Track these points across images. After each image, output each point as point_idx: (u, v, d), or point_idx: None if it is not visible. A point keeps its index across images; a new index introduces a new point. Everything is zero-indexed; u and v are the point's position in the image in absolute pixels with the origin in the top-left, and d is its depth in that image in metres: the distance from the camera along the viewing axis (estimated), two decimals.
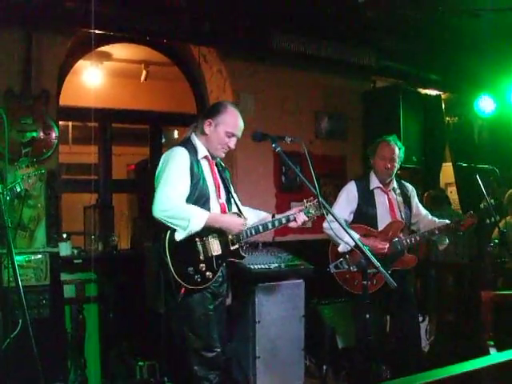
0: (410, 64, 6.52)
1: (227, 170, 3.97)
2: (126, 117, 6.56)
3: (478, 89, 6.95)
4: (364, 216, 4.59)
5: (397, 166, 4.60)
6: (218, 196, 3.68)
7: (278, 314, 4.91)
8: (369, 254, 3.12)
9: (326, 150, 6.52)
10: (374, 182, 4.67)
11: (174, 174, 3.48)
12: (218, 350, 3.52)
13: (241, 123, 3.69)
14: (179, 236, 3.40)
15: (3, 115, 3.56)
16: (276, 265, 4.97)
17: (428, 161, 6.70)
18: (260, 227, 3.71)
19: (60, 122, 5.36)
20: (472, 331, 5.23)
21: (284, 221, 3.77)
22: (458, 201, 7.34)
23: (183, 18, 5.15)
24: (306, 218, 3.76)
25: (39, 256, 4.75)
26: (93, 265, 5.02)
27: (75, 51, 5.55)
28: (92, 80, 7.13)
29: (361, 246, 3.15)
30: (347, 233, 3.25)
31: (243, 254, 3.69)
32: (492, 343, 4.49)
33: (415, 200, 4.84)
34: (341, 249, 4.37)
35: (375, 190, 4.66)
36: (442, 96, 7.17)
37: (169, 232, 3.40)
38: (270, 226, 3.74)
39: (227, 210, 3.70)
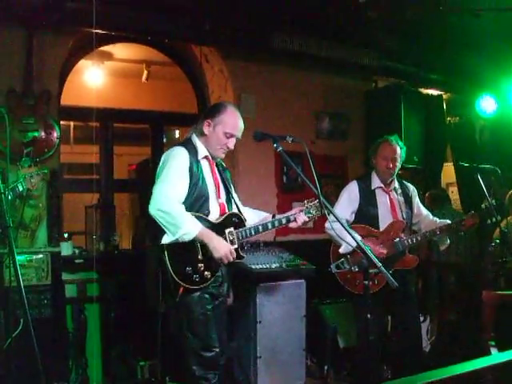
0: (411, 64, 6.51)
1: (228, 170, 3.97)
2: (128, 117, 6.57)
3: (480, 89, 6.94)
4: (365, 216, 4.59)
5: (398, 165, 4.60)
6: (218, 196, 3.68)
7: (280, 314, 4.91)
8: (370, 254, 3.12)
9: (327, 150, 6.52)
10: (376, 182, 4.67)
11: (172, 173, 3.48)
12: (217, 349, 3.52)
13: (240, 124, 3.68)
14: (166, 239, 3.39)
15: (5, 115, 3.56)
16: (277, 265, 4.97)
17: (429, 161, 6.69)
18: (259, 227, 3.70)
19: (61, 122, 5.35)
20: (473, 331, 5.23)
21: (284, 221, 3.76)
22: (460, 201, 7.34)
23: (185, 18, 5.16)
24: (307, 219, 3.75)
25: (41, 256, 4.76)
26: (94, 264, 5.02)
27: (77, 51, 5.55)
28: (93, 80, 7.13)
29: (362, 246, 3.15)
30: (349, 233, 3.25)
31: (242, 254, 3.68)
32: (493, 343, 4.50)
33: (416, 200, 4.84)
34: (342, 250, 4.37)
35: (377, 190, 4.66)
36: (444, 96, 7.17)
37: None
38: (269, 226, 3.73)
39: (227, 210, 3.70)
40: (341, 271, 4.44)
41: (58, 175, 5.04)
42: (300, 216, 3.74)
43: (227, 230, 3.61)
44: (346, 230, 3.29)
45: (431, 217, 4.81)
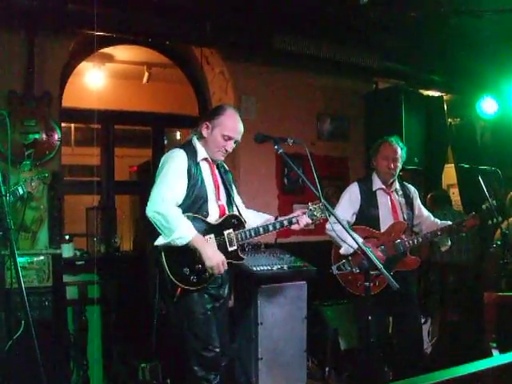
0: (412, 65, 6.52)
1: (230, 173, 3.97)
2: (129, 118, 6.57)
3: (481, 90, 6.94)
4: (366, 217, 4.59)
5: (399, 166, 4.60)
6: (218, 198, 3.68)
7: (281, 316, 4.91)
8: (371, 255, 3.12)
9: (328, 152, 6.53)
10: (377, 184, 4.67)
11: (170, 175, 3.49)
12: (217, 350, 3.52)
13: (239, 127, 3.67)
14: (161, 241, 3.40)
15: (6, 117, 3.56)
16: (278, 266, 4.97)
17: (430, 162, 6.69)
18: (260, 229, 3.70)
19: (62, 124, 5.37)
20: (474, 333, 5.22)
21: (286, 223, 3.75)
22: (460, 202, 7.33)
23: (185, 20, 5.16)
24: (310, 221, 3.75)
25: (42, 257, 4.76)
26: (95, 266, 5.02)
27: (77, 53, 5.56)
28: (94, 82, 7.14)
29: (363, 248, 3.15)
30: (350, 235, 3.25)
31: (242, 256, 3.68)
32: (495, 345, 4.49)
33: (417, 201, 4.84)
34: (343, 251, 4.37)
35: (378, 192, 4.66)
36: (445, 97, 7.16)
37: None
38: (270, 227, 3.73)
39: (227, 212, 3.69)
40: (342, 273, 4.44)
41: (59, 177, 5.04)
42: (302, 218, 3.74)
43: (226, 232, 3.61)
44: (346, 231, 3.30)
45: (432, 218, 4.81)
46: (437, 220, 4.77)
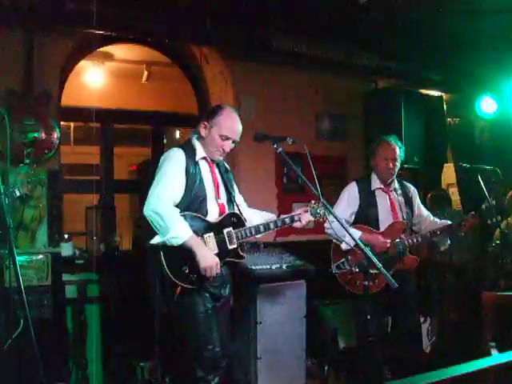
0: (411, 65, 6.51)
1: (231, 172, 3.97)
2: (128, 117, 6.57)
3: (480, 89, 6.94)
4: (365, 217, 4.59)
5: (398, 165, 4.61)
6: (218, 196, 3.67)
7: (280, 315, 4.90)
8: (370, 254, 3.12)
9: (327, 151, 6.53)
10: (376, 183, 4.67)
11: (167, 174, 3.50)
12: (217, 350, 3.51)
13: (237, 127, 3.66)
14: (156, 240, 3.41)
15: (5, 116, 3.56)
16: (277, 265, 4.96)
17: (429, 161, 6.69)
18: (261, 227, 3.69)
19: (62, 123, 5.36)
20: (473, 332, 5.22)
21: (288, 221, 3.75)
22: (460, 201, 7.33)
23: (185, 19, 5.16)
24: (312, 218, 3.74)
25: (41, 256, 4.76)
26: (94, 265, 5.03)
27: (77, 52, 5.55)
28: (94, 80, 7.14)
29: (362, 246, 3.16)
30: (348, 233, 3.26)
31: (242, 254, 3.68)
32: (493, 344, 4.49)
33: (417, 200, 4.84)
34: (344, 246, 4.38)
35: (377, 191, 4.66)
36: (444, 97, 7.16)
37: None
38: (271, 225, 3.72)
39: (226, 210, 3.69)
40: (341, 271, 4.45)
41: (58, 176, 5.04)
42: (304, 216, 3.73)
43: (225, 230, 3.61)
44: (345, 229, 3.30)
45: (432, 217, 4.81)
46: (436, 219, 4.78)
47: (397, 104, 6.35)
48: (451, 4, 5.21)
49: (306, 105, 6.48)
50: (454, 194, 7.55)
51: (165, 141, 7.07)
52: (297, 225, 3.76)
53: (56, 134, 4.93)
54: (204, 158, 3.67)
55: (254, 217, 3.93)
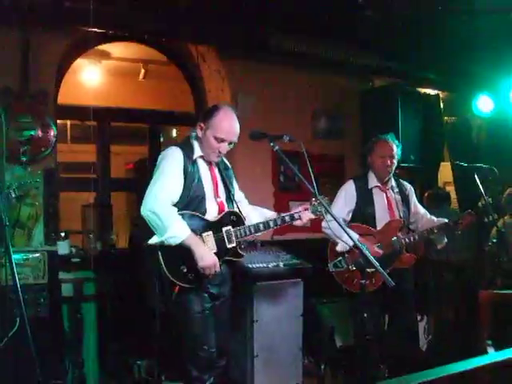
0: (408, 63, 6.51)
1: (231, 169, 3.95)
2: (125, 115, 6.56)
3: (477, 88, 6.94)
4: (362, 215, 4.60)
5: (395, 163, 4.61)
6: (216, 195, 3.66)
7: (276, 313, 4.90)
8: (367, 253, 3.12)
9: (324, 149, 6.52)
10: (373, 181, 4.67)
11: (165, 173, 3.48)
12: (213, 350, 3.50)
13: (233, 128, 3.59)
14: (154, 240, 3.39)
15: (1, 114, 3.55)
16: (274, 264, 4.96)
17: (426, 160, 6.69)
18: (260, 225, 3.66)
19: (58, 121, 5.35)
20: (470, 330, 5.23)
21: (288, 219, 3.72)
22: (457, 200, 7.34)
23: (181, 17, 5.15)
24: (312, 216, 3.71)
25: (37, 254, 4.74)
26: (91, 264, 5.02)
27: (73, 50, 5.54)
28: (90, 79, 7.13)
29: (359, 245, 3.15)
30: (346, 232, 3.25)
31: (241, 253, 3.66)
32: (490, 342, 4.50)
33: (413, 199, 4.85)
34: (339, 248, 4.38)
35: (374, 189, 4.66)
36: (441, 95, 7.17)
37: None
38: (271, 224, 3.69)
39: (226, 208, 3.67)
40: (338, 270, 4.46)
41: (54, 174, 5.03)
42: (305, 214, 3.70)
43: (224, 229, 3.58)
44: (342, 228, 3.30)
45: (429, 215, 4.82)
46: (433, 217, 4.78)
47: (393, 103, 6.36)
48: (449, 3, 5.21)
49: (304, 104, 6.47)
50: (451, 193, 7.56)
51: (162, 139, 7.07)
52: (297, 223, 3.74)
53: (52, 132, 4.92)
54: (202, 157, 3.65)
55: (253, 214, 3.91)
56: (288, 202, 6.00)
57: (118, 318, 5.16)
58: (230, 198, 3.76)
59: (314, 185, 3.28)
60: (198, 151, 3.62)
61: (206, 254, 3.41)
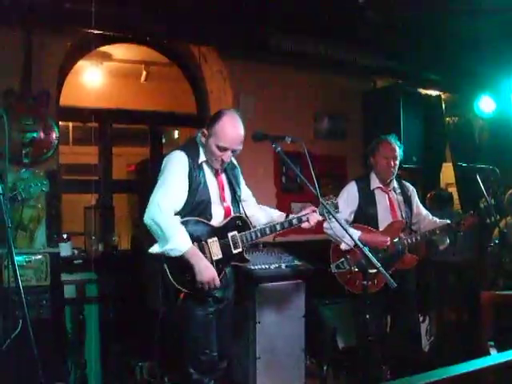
0: (410, 64, 6.51)
1: (238, 168, 3.85)
2: (127, 117, 6.55)
3: (479, 89, 6.94)
4: (365, 216, 4.60)
5: (398, 164, 4.61)
6: (223, 199, 3.59)
7: (279, 315, 4.90)
8: (369, 254, 3.12)
9: (326, 150, 6.52)
10: (375, 182, 4.67)
11: (168, 180, 3.41)
12: (214, 354, 3.48)
13: (236, 137, 3.47)
14: (154, 249, 3.36)
15: (4, 115, 3.55)
16: (276, 265, 4.96)
17: (428, 161, 6.69)
18: (267, 229, 3.61)
19: (60, 123, 5.35)
20: (472, 331, 5.22)
21: (295, 222, 3.66)
22: (459, 201, 7.33)
23: (183, 18, 5.15)
24: (321, 218, 3.65)
25: (39, 256, 4.74)
26: (93, 265, 5.02)
27: (75, 51, 5.55)
28: (92, 80, 7.12)
29: (361, 246, 3.15)
30: (347, 233, 3.25)
31: (247, 257, 3.62)
32: (492, 343, 4.49)
33: (416, 200, 4.85)
34: (343, 247, 4.37)
35: (376, 190, 4.66)
36: (443, 96, 7.16)
37: None
38: (278, 227, 3.64)
39: (232, 213, 3.61)
40: (341, 271, 4.45)
41: (56, 176, 5.04)
42: (313, 216, 3.65)
43: (230, 234, 3.53)
44: (344, 229, 3.30)
45: (431, 216, 4.82)
46: (435, 218, 4.78)
47: (395, 103, 6.36)
48: (450, 4, 5.21)
49: (305, 104, 6.48)
50: (453, 194, 7.56)
51: (163, 140, 7.07)
52: (305, 225, 3.67)
53: (54, 134, 4.92)
54: (207, 161, 3.56)
55: (260, 213, 3.87)
56: (290, 203, 6.00)
57: (120, 320, 5.16)
58: (236, 200, 3.69)
59: (316, 186, 3.27)
60: (203, 156, 3.54)
61: (204, 269, 3.33)
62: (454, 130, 7.44)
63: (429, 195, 6.59)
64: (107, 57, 6.86)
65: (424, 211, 4.86)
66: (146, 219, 3.34)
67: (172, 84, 7.30)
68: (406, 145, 5.21)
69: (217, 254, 3.47)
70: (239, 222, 3.61)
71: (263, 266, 4.86)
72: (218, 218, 3.55)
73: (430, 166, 6.95)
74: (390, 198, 4.66)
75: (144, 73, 7.51)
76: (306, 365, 5.19)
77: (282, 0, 5.06)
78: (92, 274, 5.14)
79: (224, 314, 3.64)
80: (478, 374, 1.87)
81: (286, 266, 5.00)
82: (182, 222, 3.40)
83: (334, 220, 3.47)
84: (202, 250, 3.41)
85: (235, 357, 4.89)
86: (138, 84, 7.74)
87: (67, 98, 5.59)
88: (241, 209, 3.70)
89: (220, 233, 3.51)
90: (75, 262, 5.26)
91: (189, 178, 3.44)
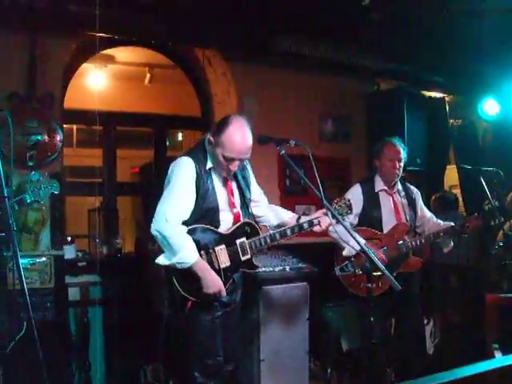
0: (414, 66, 6.51)
1: (248, 168, 3.76)
2: (131, 120, 6.56)
3: (483, 91, 6.94)
4: (369, 219, 4.59)
5: (402, 166, 4.61)
6: (232, 205, 3.53)
7: (283, 317, 4.90)
8: (374, 257, 3.12)
9: (330, 153, 6.52)
10: (379, 185, 4.67)
11: (175, 189, 3.36)
12: (220, 358, 3.46)
13: (243, 146, 3.35)
14: (160, 261, 3.33)
15: (8, 118, 3.56)
16: (281, 267, 4.96)
17: (432, 163, 6.69)
18: (277, 235, 3.55)
19: (65, 125, 5.36)
20: (477, 334, 5.21)
21: (306, 226, 3.59)
22: (463, 203, 7.33)
23: (187, 21, 5.16)
24: (332, 221, 3.50)
25: (44, 259, 4.76)
26: (97, 268, 5.02)
27: (79, 54, 5.56)
28: (96, 83, 7.14)
29: (366, 249, 3.15)
30: (352, 236, 3.25)
31: (256, 264, 3.58)
32: (497, 346, 4.48)
33: (420, 202, 4.85)
34: (345, 253, 4.36)
35: (380, 193, 4.66)
36: (446, 98, 7.16)
37: None
38: (288, 232, 3.57)
39: (241, 219, 3.54)
40: (345, 274, 4.45)
41: (60, 178, 5.04)
42: (324, 219, 3.58)
43: (238, 241, 3.48)
44: (349, 232, 3.29)
45: (435, 219, 4.81)
46: (439, 221, 4.78)
47: (399, 106, 6.36)
48: (454, 5, 5.21)
49: (309, 107, 6.48)
50: (457, 196, 7.55)
51: (167, 143, 7.07)
52: (316, 229, 3.61)
53: (59, 137, 4.94)
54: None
55: (271, 214, 3.80)
56: (294, 206, 5.99)
57: (125, 322, 5.16)
58: (246, 205, 3.61)
59: (320, 188, 3.26)
60: (210, 162, 3.46)
61: (210, 282, 3.31)
62: (458, 132, 7.44)
63: (433, 198, 6.59)
64: (111, 59, 6.88)
65: (428, 214, 4.86)
66: (153, 230, 3.30)
67: (176, 87, 7.31)
68: (410, 147, 5.21)
69: (225, 261, 3.43)
70: (248, 229, 3.54)
71: (267, 269, 4.86)
72: (226, 224, 3.49)
73: (434, 169, 6.94)
74: (394, 201, 4.66)
75: (148, 75, 7.52)
76: (310, 367, 5.19)
77: (283, 1, 5.04)
78: (96, 276, 5.15)
79: (230, 316, 3.60)
80: (483, 376, 1.86)
81: (291, 269, 4.99)
82: (190, 230, 3.35)
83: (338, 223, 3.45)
84: (209, 258, 3.38)
85: (240, 359, 4.89)
86: (142, 87, 7.76)
87: (71, 100, 5.60)
88: (249, 212, 3.63)
89: (228, 240, 3.46)
90: (79, 264, 5.27)
91: (196, 185, 3.37)
